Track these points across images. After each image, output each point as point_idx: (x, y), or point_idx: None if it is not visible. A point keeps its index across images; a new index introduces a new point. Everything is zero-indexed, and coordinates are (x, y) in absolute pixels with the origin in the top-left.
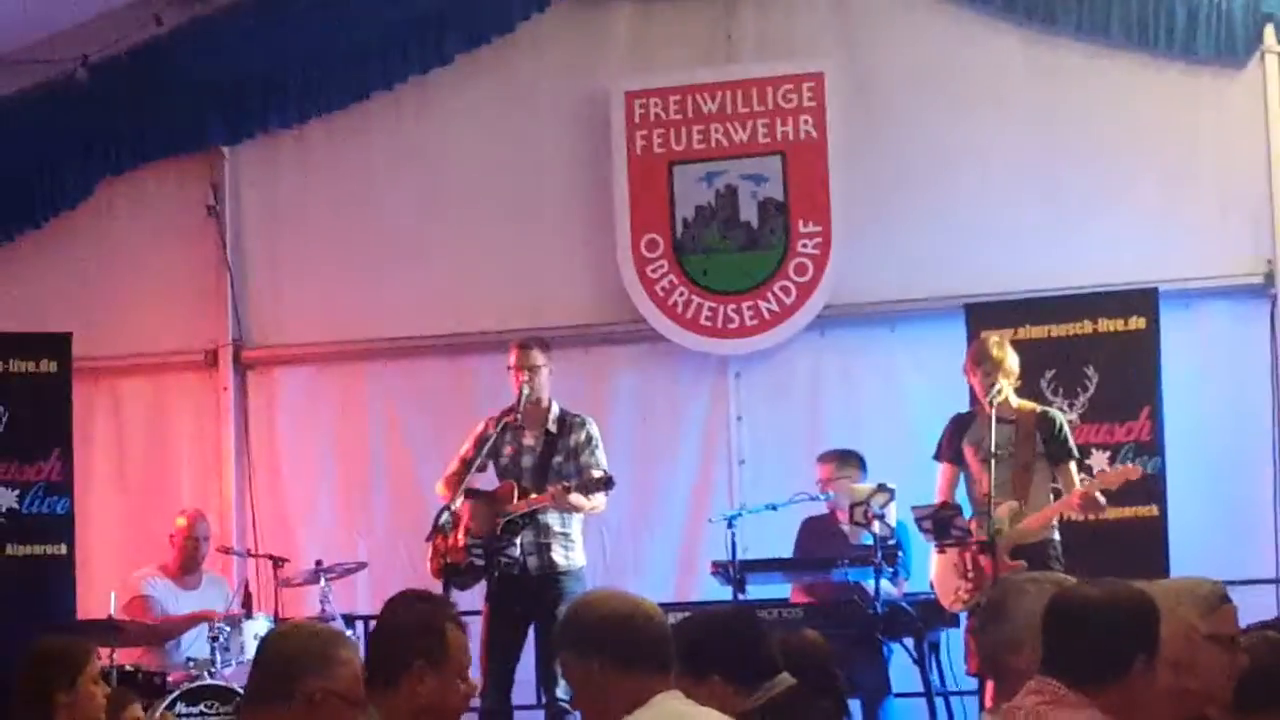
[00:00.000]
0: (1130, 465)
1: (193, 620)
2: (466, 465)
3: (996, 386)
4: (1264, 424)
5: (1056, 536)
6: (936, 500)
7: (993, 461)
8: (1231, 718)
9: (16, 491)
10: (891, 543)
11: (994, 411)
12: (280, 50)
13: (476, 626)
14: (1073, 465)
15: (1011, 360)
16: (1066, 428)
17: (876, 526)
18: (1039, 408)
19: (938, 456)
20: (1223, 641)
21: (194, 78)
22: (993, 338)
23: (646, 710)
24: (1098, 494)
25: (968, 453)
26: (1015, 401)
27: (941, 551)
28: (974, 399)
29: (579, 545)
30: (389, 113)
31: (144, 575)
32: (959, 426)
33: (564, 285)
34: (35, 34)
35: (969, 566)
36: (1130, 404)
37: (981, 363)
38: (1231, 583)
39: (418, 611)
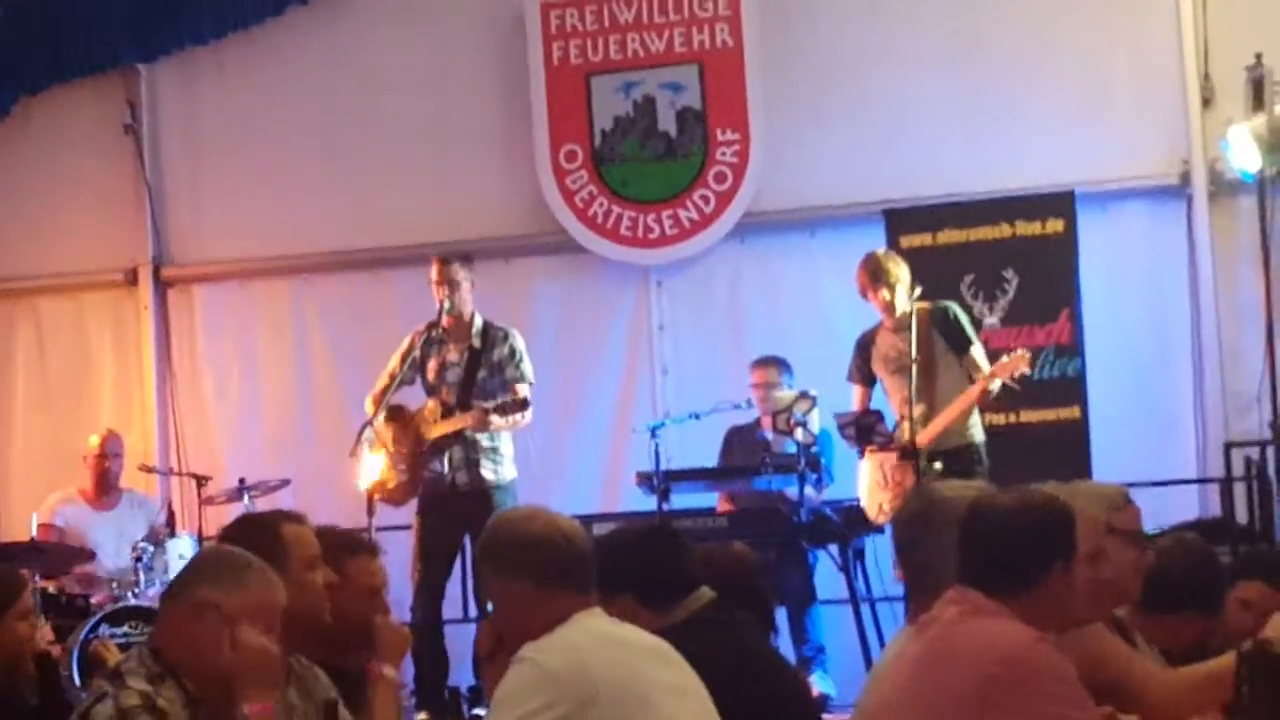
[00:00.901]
0: (1020, 353)
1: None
2: (393, 380)
3: (899, 297)
4: (1182, 324)
5: (979, 438)
6: None
7: (914, 368)
8: (1141, 617)
9: None
10: (815, 450)
11: (911, 319)
12: None
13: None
14: (974, 350)
15: (903, 270)
16: (961, 316)
17: (799, 434)
18: (929, 304)
19: (850, 378)
20: (1129, 537)
21: None
22: (879, 252)
23: (566, 628)
24: (991, 386)
25: (879, 369)
26: (909, 307)
27: (863, 456)
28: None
29: (508, 459)
30: (305, 27)
31: (54, 503)
32: (863, 347)
33: (484, 197)
34: None
35: (890, 478)
36: (1050, 306)
37: (880, 279)
38: (1153, 484)
39: (252, 521)
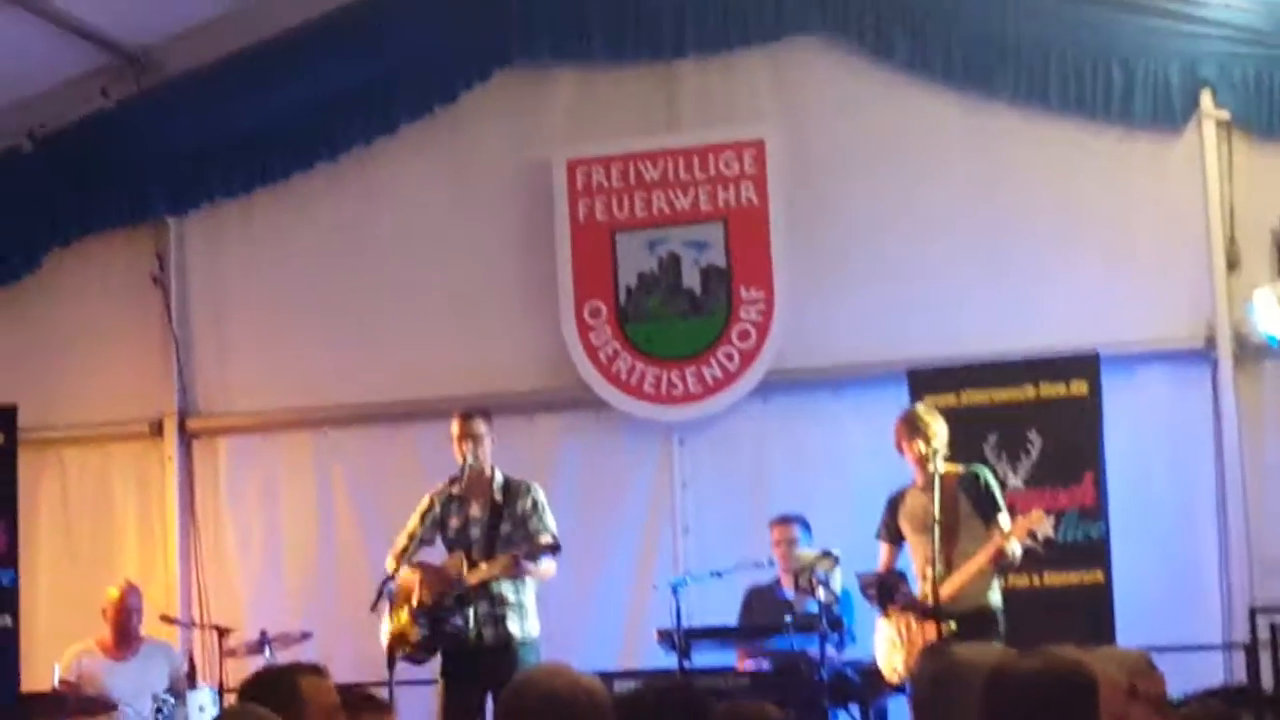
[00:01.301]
0: (1035, 513)
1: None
2: (413, 540)
3: (935, 455)
4: (1207, 487)
5: (996, 603)
6: None
7: (937, 530)
8: None
9: None
10: (836, 610)
11: (935, 479)
12: (225, 122)
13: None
14: (1000, 517)
15: (942, 427)
16: (991, 482)
17: (821, 593)
18: (960, 468)
19: (879, 536)
20: (1154, 703)
21: (140, 149)
22: (920, 407)
23: None
24: (1008, 547)
25: (904, 526)
26: (942, 468)
27: (886, 616)
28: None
29: (533, 614)
30: (333, 183)
31: (71, 657)
32: (893, 505)
33: (509, 353)
34: None
35: (906, 638)
36: (1073, 468)
37: (917, 433)
38: (1177, 649)
39: (270, 675)
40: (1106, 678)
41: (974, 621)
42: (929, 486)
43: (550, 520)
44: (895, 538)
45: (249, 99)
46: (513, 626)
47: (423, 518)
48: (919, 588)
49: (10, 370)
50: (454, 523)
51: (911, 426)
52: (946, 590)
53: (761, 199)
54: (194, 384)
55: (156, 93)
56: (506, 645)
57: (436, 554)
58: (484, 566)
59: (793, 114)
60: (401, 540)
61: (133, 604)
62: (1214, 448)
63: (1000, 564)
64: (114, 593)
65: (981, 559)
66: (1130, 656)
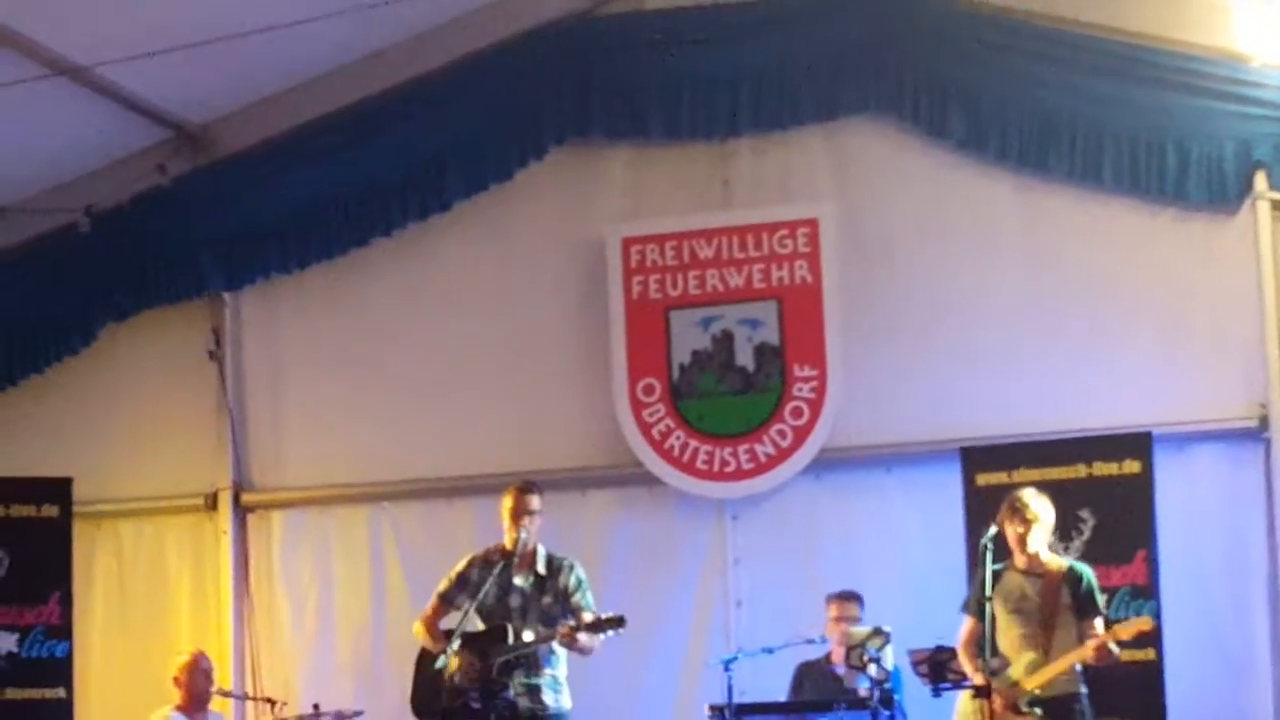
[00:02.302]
0: (1144, 617)
1: None
2: (445, 603)
3: (1034, 536)
4: (1259, 568)
5: (1083, 689)
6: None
7: (1013, 612)
8: None
9: (16, 635)
10: (888, 686)
11: (1033, 563)
12: (281, 198)
13: None
14: (1098, 621)
15: (1046, 513)
16: (1095, 586)
17: (873, 669)
18: (1067, 563)
19: (965, 609)
20: None
21: (196, 225)
22: (1030, 490)
23: None
24: (1112, 645)
25: (998, 605)
26: (1045, 556)
27: (937, 695)
28: (970, 542)
29: (566, 688)
30: (389, 258)
31: (166, 714)
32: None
33: (562, 429)
34: (40, 184)
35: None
36: (1126, 548)
37: (1018, 514)
38: None
39: None
40: None
41: (1062, 706)
42: (1032, 572)
43: (592, 598)
44: (980, 611)
45: (305, 175)
46: (548, 698)
47: (458, 579)
48: (1012, 669)
49: (66, 443)
50: (495, 591)
51: (1012, 509)
52: (1041, 676)
53: (815, 277)
54: (249, 458)
55: (213, 168)
56: (543, 716)
57: (450, 622)
58: (542, 632)
59: (847, 192)
60: (433, 602)
61: (204, 666)
62: (1266, 527)
63: (1100, 662)
64: (185, 656)
65: (1084, 654)
66: None
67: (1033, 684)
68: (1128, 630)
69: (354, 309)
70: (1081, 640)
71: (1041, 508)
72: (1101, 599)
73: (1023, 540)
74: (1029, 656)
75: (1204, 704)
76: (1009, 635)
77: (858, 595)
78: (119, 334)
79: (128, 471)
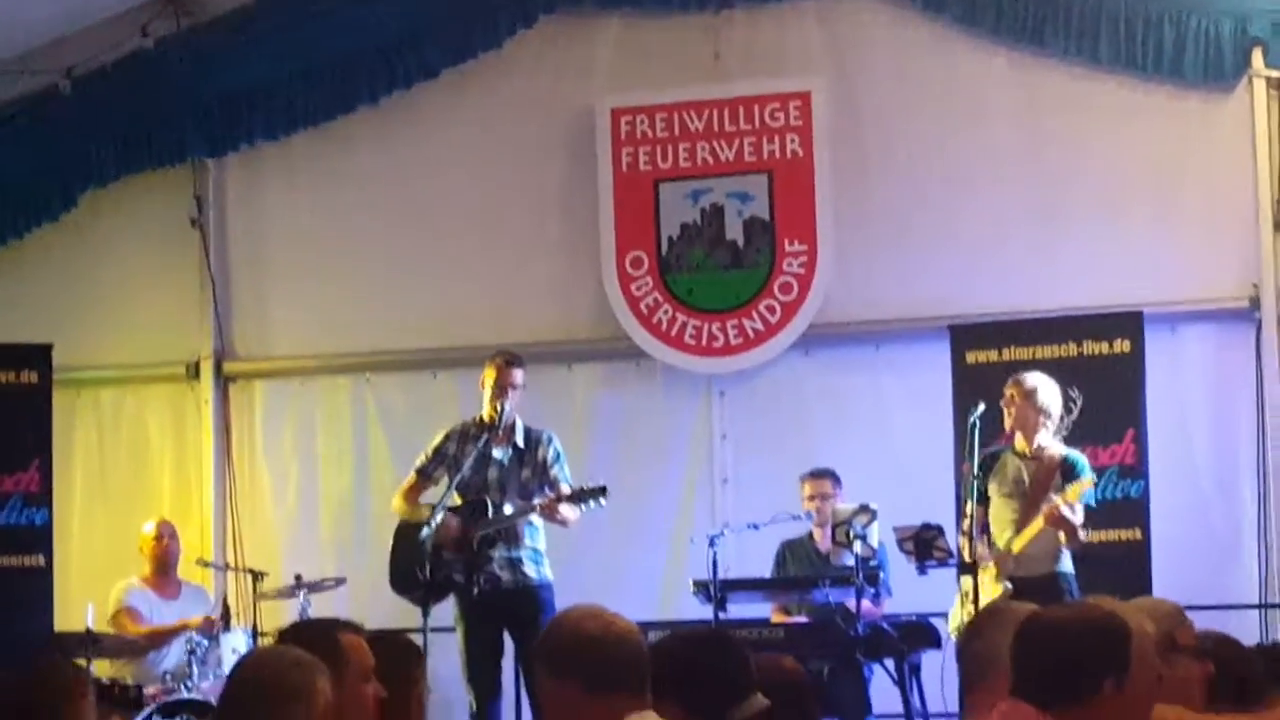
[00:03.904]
0: (1085, 479)
1: (171, 632)
2: (424, 477)
3: (1051, 430)
4: (1248, 448)
5: (1067, 568)
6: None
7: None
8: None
9: None
10: (873, 564)
11: (1037, 451)
12: (266, 63)
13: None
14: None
15: (1057, 405)
16: (1086, 470)
17: (858, 547)
18: (1065, 452)
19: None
20: (1189, 651)
21: (179, 90)
22: (1036, 378)
23: None
24: (1063, 510)
25: (993, 487)
26: (1046, 444)
27: (923, 572)
28: (958, 421)
29: (547, 560)
30: (374, 126)
31: (127, 586)
32: (987, 465)
33: (548, 301)
34: (20, 45)
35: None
36: (1114, 427)
37: (1032, 399)
38: (1214, 607)
39: (312, 627)
40: (1140, 628)
41: (1044, 586)
42: (1035, 458)
43: (569, 471)
44: (983, 498)
45: (290, 40)
46: (529, 570)
47: (435, 454)
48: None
49: (46, 310)
50: (473, 464)
51: (1025, 392)
52: (1009, 563)
53: (807, 151)
54: (231, 327)
55: (197, 32)
56: (525, 588)
57: (430, 495)
58: (521, 504)
59: (840, 66)
60: (411, 477)
61: (168, 532)
62: (1255, 407)
63: (1063, 529)
64: (150, 527)
65: (1038, 523)
66: (1163, 607)
67: (1008, 568)
68: (1072, 493)
69: (339, 178)
70: None
71: (1050, 398)
72: (1085, 476)
73: (1028, 427)
74: (1010, 535)
75: (1190, 582)
76: (1001, 519)
77: (832, 473)
78: (101, 200)
79: (109, 339)
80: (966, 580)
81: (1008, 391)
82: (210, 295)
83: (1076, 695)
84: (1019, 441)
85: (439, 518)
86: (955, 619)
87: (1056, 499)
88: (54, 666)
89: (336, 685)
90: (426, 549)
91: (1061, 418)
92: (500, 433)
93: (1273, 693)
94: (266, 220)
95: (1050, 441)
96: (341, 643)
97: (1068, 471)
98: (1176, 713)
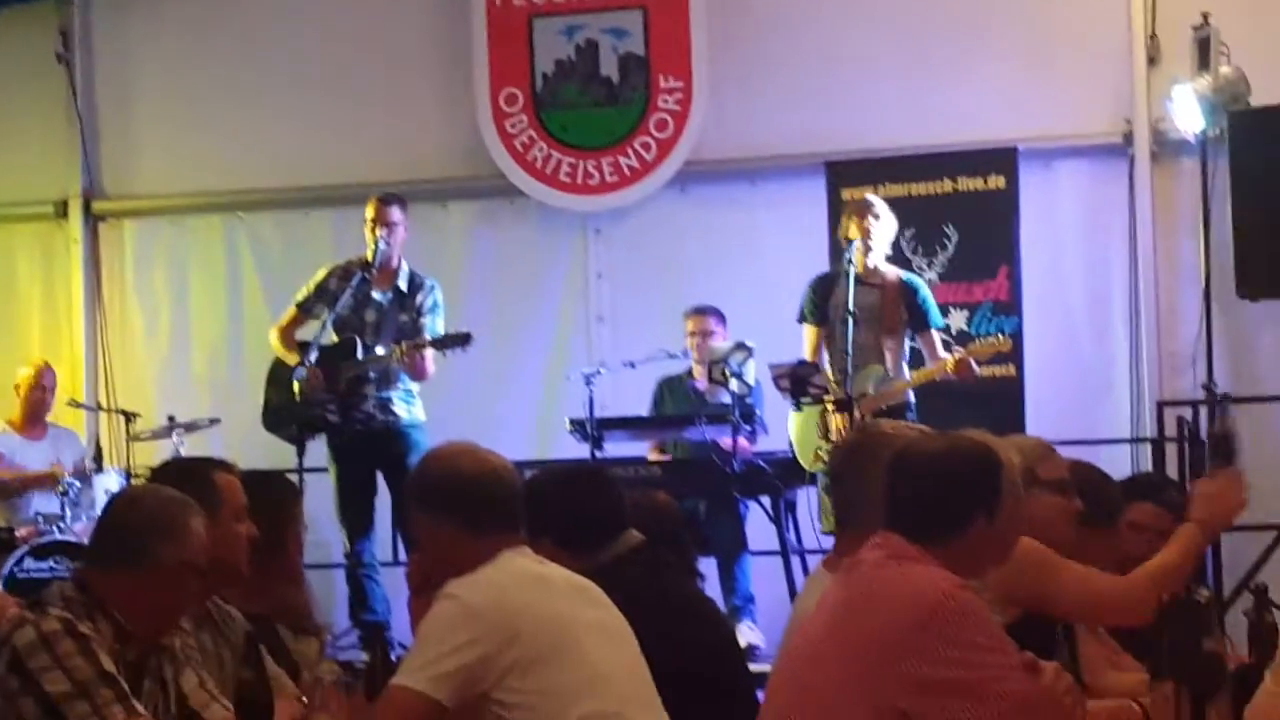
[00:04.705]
0: (1001, 337)
1: (37, 480)
2: (301, 312)
3: (877, 241)
4: (1121, 284)
5: (911, 398)
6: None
7: (850, 321)
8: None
9: None
10: (749, 401)
11: (859, 271)
12: None
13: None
14: (934, 333)
15: (890, 225)
16: (929, 295)
17: (734, 384)
18: (903, 274)
19: (801, 319)
20: (1055, 485)
21: None
22: (875, 197)
23: (491, 567)
24: (972, 362)
25: (834, 314)
26: (884, 267)
27: (798, 409)
28: (834, 259)
29: (419, 401)
30: None
31: None
32: (824, 287)
33: (423, 139)
34: None
35: (828, 426)
36: (989, 263)
37: (867, 212)
38: (1086, 442)
39: (185, 466)
40: (1009, 462)
41: (892, 415)
42: (869, 281)
43: (441, 323)
44: (822, 319)
45: None
46: (400, 410)
47: (316, 289)
48: (836, 377)
49: None
50: (351, 303)
51: (858, 211)
52: (890, 392)
53: None
54: (100, 165)
55: None
56: (396, 428)
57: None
58: (380, 350)
59: None
60: (290, 311)
61: (48, 383)
62: (1128, 243)
63: (961, 376)
64: (29, 371)
65: (942, 368)
66: (1028, 442)
67: (882, 397)
68: (985, 350)
69: (208, 12)
70: (930, 355)
71: (886, 212)
72: (936, 311)
73: (868, 235)
74: (875, 370)
75: (1062, 417)
76: (840, 345)
77: (715, 310)
78: None
79: None
80: (808, 413)
81: (849, 211)
82: (78, 133)
83: (948, 527)
84: (858, 261)
85: (313, 356)
86: (808, 448)
87: (962, 353)
88: None
89: (210, 525)
90: (299, 387)
91: (935, 252)
92: (381, 274)
93: None
94: (134, 55)
95: (887, 266)
96: (216, 481)
97: (910, 295)
98: (1034, 546)
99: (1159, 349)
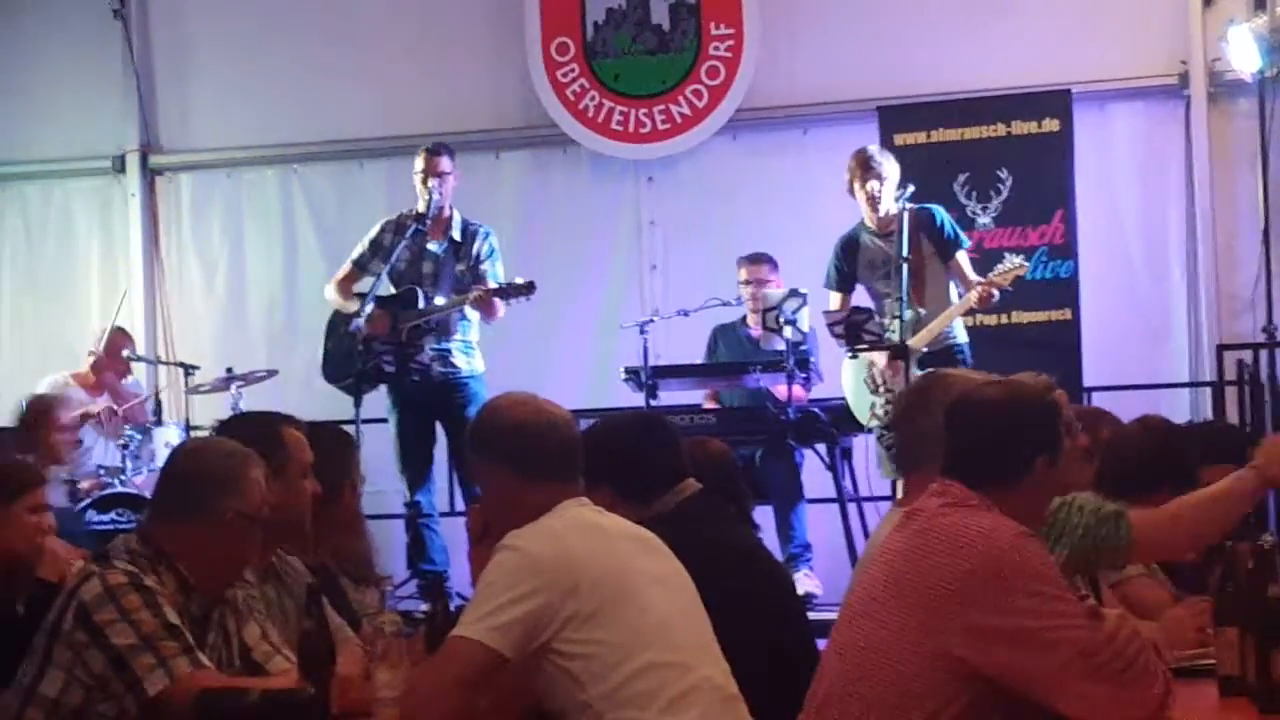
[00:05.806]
0: (1019, 261)
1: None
2: (358, 267)
3: (886, 193)
4: (1178, 227)
5: (961, 338)
6: None
7: (905, 269)
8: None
9: None
10: (803, 348)
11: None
12: None
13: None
14: (960, 256)
15: (894, 168)
16: (947, 220)
17: (788, 332)
18: (913, 206)
19: (828, 285)
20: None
21: None
22: (872, 147)
23: (550, 516)
24: (994, 291)
25: (864, 275)
26: (894, 209)
27: (853, 356)
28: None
29: (479, 352)
30: None
31: (53, 383)
32: (848, 250)
33: (476, 90)
34: None
35: (881, 381)
36: (1044, 207)
37: (871, 170)
38: (1145, 386)
39: (255, 420)
40: (1065, 405)
41: (942, 359)
42: (886, 230)
43: (501, 269)
44: (848, 284)
45: None
46: (459, 361)
47: (371, 244)
48: (890, 330)
49: None
50: (407, 256)
51: (863, 164)
52: (926, 334)
53: None
54: (156, 120)
55: None
56: (456, 379)
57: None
58: (455, 297)
59: None
60: (346, 267)
61: (126, 345)
62: (1185, 186)
63: (984, 306)
64: (109, 333)
65: (962, 307)
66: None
67: (919, 341)
68: (1005, 277)
69: None
70: (964, 281)
71: (889, 163)
72: (959, 231)
73: (875, 200)
74: (910, 314)
75: (1120, 361)
76: (885, 300)
77: (769, 257)
78: None
79: (32, 133)
80: (857, 364)
81: (853, 167)
82: (135, 88)
83: (1008, 474)
84: (869, 218)
85: (369, 308)
86: (863, 404)
87: (987, 283)
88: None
89: (277, 479)
90: (359, 339)
91: (990, 197)
92: (435, 224)
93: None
94: (189, 10)
95: (898, 204)
96: (284, 437)
97: (928, 225)
98: None
99: (1217, 292)
